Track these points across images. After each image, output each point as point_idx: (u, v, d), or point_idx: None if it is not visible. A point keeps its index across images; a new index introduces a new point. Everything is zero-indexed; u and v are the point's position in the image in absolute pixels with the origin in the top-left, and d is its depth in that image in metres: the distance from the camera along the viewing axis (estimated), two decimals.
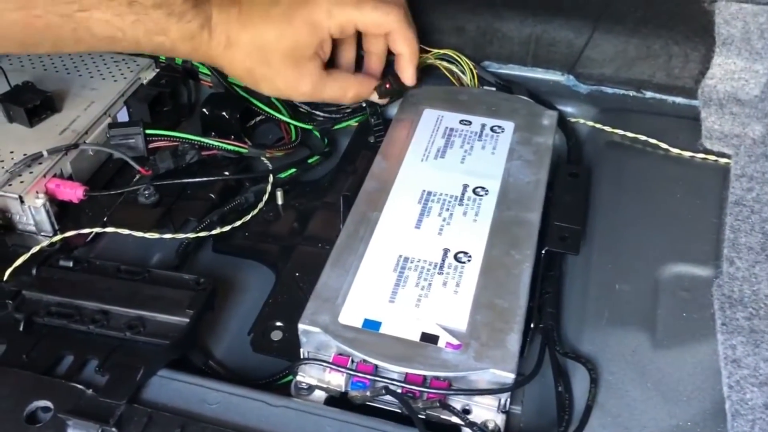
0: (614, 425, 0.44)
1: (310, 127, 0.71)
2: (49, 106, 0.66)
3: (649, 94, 0.71)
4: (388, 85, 0.66)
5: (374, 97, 0.66)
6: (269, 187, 0.64)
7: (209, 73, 0.73)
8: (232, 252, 0.61)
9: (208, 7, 0.56)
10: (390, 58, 0.66)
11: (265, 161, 0.67)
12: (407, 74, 0.65)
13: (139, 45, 0.54)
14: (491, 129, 0.64)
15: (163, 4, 0.53)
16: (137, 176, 0.64)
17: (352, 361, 0.46)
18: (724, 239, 0.55)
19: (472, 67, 0.70)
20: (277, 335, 0.53)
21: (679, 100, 0.71)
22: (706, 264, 0.54)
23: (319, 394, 0.48)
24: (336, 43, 0.63)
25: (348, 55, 0.66)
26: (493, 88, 0.71)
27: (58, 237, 0.57)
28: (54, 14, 0.49)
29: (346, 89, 0.64)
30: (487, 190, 0.57)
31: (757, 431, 0.42)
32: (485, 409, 0.46)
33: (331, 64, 0.63)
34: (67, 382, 0.45)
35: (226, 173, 0.65)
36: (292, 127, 0.70)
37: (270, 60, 0.59)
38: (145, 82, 0.72)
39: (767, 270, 0.52)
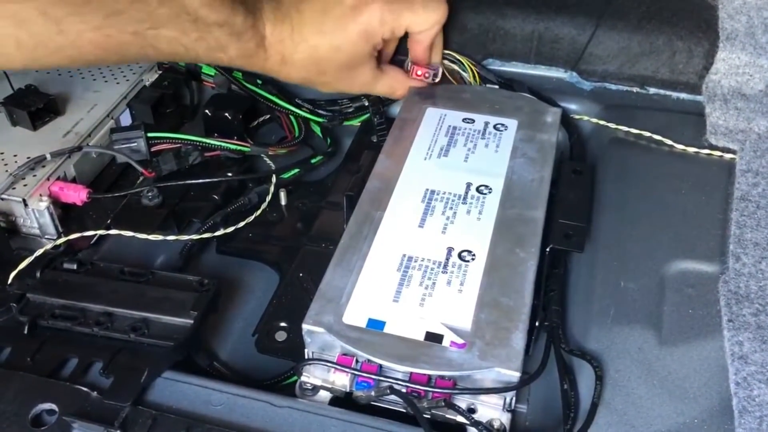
0: (620, 423, 0.44)
1: (321, 120, 0.71)
2: (52, 109, 0.66)
3: (653, 90, 0.71)
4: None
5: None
6: (272, 188, 0.64)
7: (212, 74, 0.73)
8: (236, 253, 0.61)
9: (262, 27, 0.57)
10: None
11: (268, 161, 0.67)
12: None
13: (198, 59, 0.56)
14: (494, 127, 0.63)
15: (225, 24, 0.54)
16: (140, 178, 0.64)
17: (357, 361, 0.46)
18: (730, 235, 0.54)
19: (473, 66, 0.70)
20: (281, 336, 0.53)
21: (683, 95, 0.70)
22: (712, 260, 0.53)
23: (324, 395, 0.47)
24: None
25: (392, 47, 0.68)
26: (496, 86, 0.71)
27: (62, 240, 0.57)
28: (126, 33, 0.50)
29: (397, 85, 0.67)
30: (490, 189, 0.57)
31: (765, 428, 0.42)
32: (491, 408, 0.46)
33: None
34: (71, 384, 0.45)
35: (229, 174, 0.65)
36: (293, 119, 0.70)
37: (326, 70, 0.61)
38: (147, 84, 0.72)
39: None
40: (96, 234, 0.59)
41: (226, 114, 0.68)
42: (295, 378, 0.49)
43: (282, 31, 0.57)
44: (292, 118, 0.71)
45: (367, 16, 0.59)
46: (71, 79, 0.71)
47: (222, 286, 0.52)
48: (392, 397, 0.45)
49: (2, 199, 0.57)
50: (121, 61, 0.54)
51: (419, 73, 0.67)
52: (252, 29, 0.55)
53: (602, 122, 0.68)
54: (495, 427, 0.45)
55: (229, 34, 0.54)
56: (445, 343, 0.45)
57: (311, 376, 0.47)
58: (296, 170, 0.66)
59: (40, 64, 0.50)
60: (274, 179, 0.64)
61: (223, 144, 0.65)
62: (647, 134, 0.65)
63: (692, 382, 0.46)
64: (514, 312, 0.47)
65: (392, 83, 0.66)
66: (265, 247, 0.61)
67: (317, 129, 0.72)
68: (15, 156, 0.61)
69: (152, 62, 0.73)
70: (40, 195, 0.58)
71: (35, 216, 0.58)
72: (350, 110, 0.72)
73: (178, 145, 0.65)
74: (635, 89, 0.72)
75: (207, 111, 0.69)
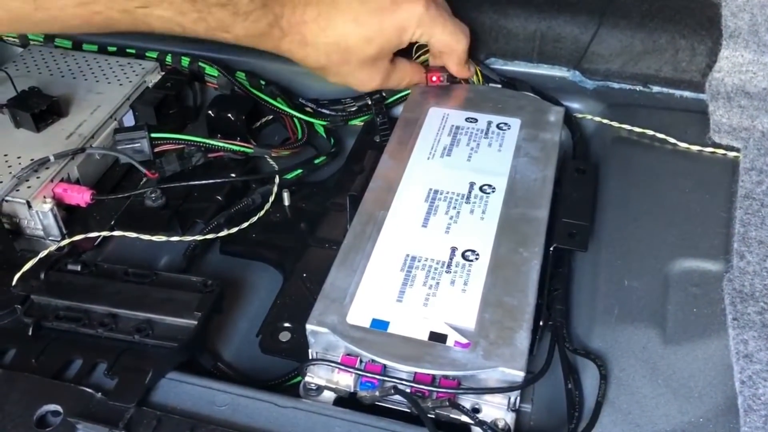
0: (625, 422, 0.44)
1: (324, 122, 0.71)
2: (55, 111, 0.66)
3: (656, 89, 0.71)
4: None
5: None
6: (276, 188, 0.64)
7: (215, 75, 0.73)
8: (240, 254, 0.61)
9: (278, 8, 0.56)
10: None
11: (271, 162, 0.67)
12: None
13: (197, 36, 0.55)
14: (497, 126, 0.63)
15: (228, 4, 0.53)
16: (144, 179, 0.64)
17: (361, 361, 0.46)
18: (734, 233, 0.54)
19: (476, 65, 0.70)
20: (285, 336, 0.53)
21: (686, 94, 0.70)
22: (716, 258, 0.53)
23: (328, 395, 0.47)
24: None
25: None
26: (499, 86, 0.71)
27: (66, 241, 0.57)
28: (114, 10, 0.49)
29: (403, 77, 0.66)
30: (494, 188, 0.57)
31: None
32: (495, 408, 0.46)
33: None
34: (76, 385, 0.45)
35: (233, 175, 0.65)
36: (296, 121, 0.70)
37: (350, 60, 0.60)
38: (150, 85, 0.72)
39: None
40: (100, 235, 0.59)
41: (229, 115, 0.68)
42: (299, 378, 0.49)
43: (305, 14, 0.57)
44: (295, 119, 0.71)
45: (408, 14, 0.59)
46: (74, 81, 0.71)
47: (226, 286, 0.52)
48: (396, 397, 0.45)
49: (6, 201, 0.57)
50: (111, 32, 0.53)
51: (434, 79, 0.68)
52: (262, 9, 0.54)
53: (605, 121, 0.68)
54: (499, 426, 0.45)
55: (233, 14, 0.53)
56: (449, 342, 0.45)
57: (315, 376, 0.47)
58: (299, 171, 0.66)
59: (23, 32, 0.50)
60: (277, 180, 0.64)
61: (226, 145, 0.65)
62: (650, 133, 0.65)
63: (697, 380, 0.46)
64: (518, 311, 0.47)
65: (401, 76, 0.66)
66: (268, 247, 0.61)
67: (320, 129, 0.72)
68: (19, 158, 0.61)
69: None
70: (44, 197, 0.58)
71: (39, 218, 0.58)
72: (353, 109, 0.72)
73: (182, 146, 0.65)
74: (638, 88, 0.71)
75: (210, 112, 0.69)
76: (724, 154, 0.62)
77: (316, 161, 0.68)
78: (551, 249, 0.53)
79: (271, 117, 0.73)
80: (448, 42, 0.63)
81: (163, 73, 0.74)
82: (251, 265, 0.61)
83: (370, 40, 0.59)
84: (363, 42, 0.59)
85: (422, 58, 0.69)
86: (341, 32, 0.58)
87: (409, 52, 0.67)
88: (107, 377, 0.46)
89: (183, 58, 0.74)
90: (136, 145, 0.63)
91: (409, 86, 0.68)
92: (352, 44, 0.59)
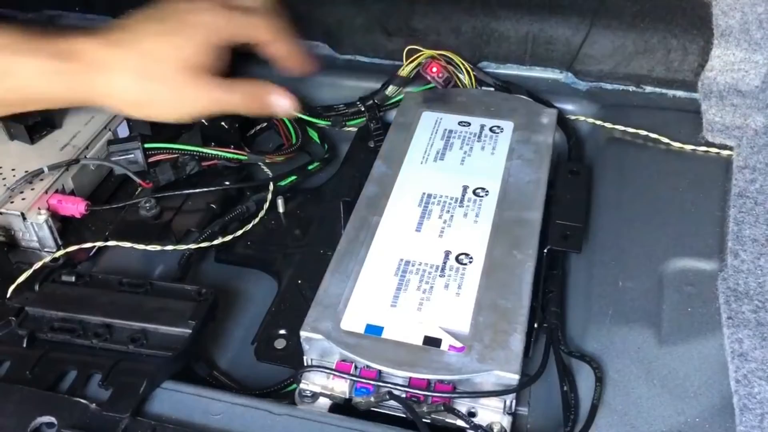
0: (621, 424, 0.44)
1: (323, 123, 0.71)
2: (49, 123, 0.66)
3: (648, 89, 0.71)
4: None
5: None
6: (270, 196, 0.64)
7: None
8: (235, 261, 0.61)
9: (62, 41, 0.50)
10: None
11: (265, 168, 0.67)
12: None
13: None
14: (490, 129, 0.63)
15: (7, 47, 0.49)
16: (138, 189, 0.64)
17: (356, 367, 0.46)
18: (728, 232, 0.54)
19: (469, 68, 0.70)
20: (280, 343, 0.53)
21: (679, 93, 0.70)
22: (710, 257, 0.53)
23: (324, 402, 0.47)
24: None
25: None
26: (492, 89, 0.71)
27: (61, 252, 0.57)
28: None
29: (252, 93, 0.56)
30: (487, 191, 0.57)
31: (765, 425, 0.42)
32: (491, 412, 0.46)
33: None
34: (70, 397, 0.45)
35: (227, 183, 0.65)
36: (290, 126, 0.70)
37: (165, 75, 0.52)
38: None
39: None
40: (95, 246, 0.59)
41: (223, 123, 0.68)
42: (294, 386, 0.49)
43: (96, 38, 0.51)
44: (289, 125, 0.71)
45: (204, 15, 0.53)
46: None
47: (221, 294, 0.52)
48: (392, 402, 0.45)
49: (1, 213, 0.58)
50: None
51: (434, 70, 0.67)
52: (45, 41, 0.49)
53: (599, 122, 0.68)
54: (495, 430, 0.45)
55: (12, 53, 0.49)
56: (444, 347, 0.45)
57: (310, 383, 0.47)
58: (293, 177, 0.66)
59: None
60: (271, 187, 0.64)
61: (220, 153, 0.65)
62: (644, 133, 0.65)
63: (692, 380, 0.46)
64: (513, 314, 0.47)
65: (243, 94, 0.55)
66: (263, 255, 0.61)
67: (314, 135, 0.72)
68: (13, 170, 0.61)
69: None
70: (39, 208, 0.58)
71: (34, 229, 0.58)
72: (347, 116, 0.72)
73: (175, 155, 0.65)
74: (631, 88, 0.72)
75: (203, 120, 0.69)
76: (718, 153, 0.62)
77: (310, 167, 0.68)
78: (545, 251, 0.53)
79: (265, 124, 0.73)
80: (255, 33, 0.56)
81: None
82: (246, 273, 0.61)
83: (178, 46, 0.52)
84: (172, 49, 0.52)
85: (420, 59, 0.69)
86: (147, 46, 0.52)
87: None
88: (102, 388, 0.46)
89: None
90: (130, 156, 0.63)
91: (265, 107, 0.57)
92: (161, 56, 0.52)
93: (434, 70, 0.67)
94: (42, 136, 0.65)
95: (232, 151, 0.66)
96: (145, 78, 0.51)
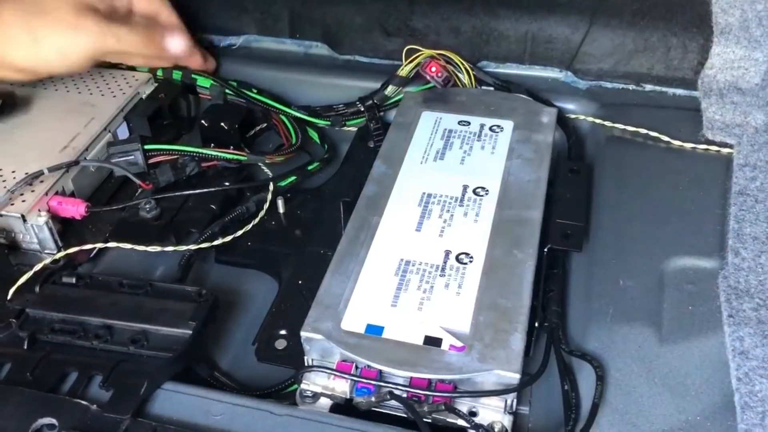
0: (622, 422, 0.44)
1: (323, 122, 0.71)
2: (9, 104, 0.65)
3: (648, 87, 0.71)
4: None
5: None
6: (270, 196, 0.64)
7: (207, 86, 0.73)
8: (235, 262, 0.61)
9: None
10: None
11: (265, 169, 0.67)
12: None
13: None
14: (490, 129, 0.63)
15: None
16: (139, 191, 0.64)
17: (356, 367, 0.46)
18: (729, 230, 0.54)
19: (468, 68, 0.70)
20: (281, 344, 0.53)
21: (679, 91, 0.70)
22: (711, 256, 0.53)
23: (325, 402, 0.47)
24: None
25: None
26: (491, 88, 0.71)
27: (61, 254, 0.57)
28: None
29: (145, 36, 0.56)
30: (487, 190, 0.56)
31: (767, 423, 0.42)
32: (492, 411, 0.45)
33: None
34: (71, 398, 0.45)
35: (227, 184, 0.64)
36: (290, 126, 0.70)
37: (45, 8, 0.50)
38: (144, 96, 0.72)
39: None
40: (95, 247, 0.59)
41: (222, 124, 0.68)
42: (295, 386, 0.49)
43: None
44: (288, 125, 0.71)
45: None
46: (68, 94, 0.71)
47: (221, 295, 0.52)
48: (393, 402, 0.45)
49: (1, 215, 0.57)
50: None
51: (433, 70, 0.67)
52: None
53: (599, 121, 0.68)
54: (496, 429, 0.45)
55: None
56: (444, 346, 0.45)
57: (311, 383, 0.47)
58: (293, 177, 0.66)
59: None
60: (271, 187, 0.64)
61: (219, 154, 0.65)
62: (644, 131, 0.65)
63: (693, 379, 0.46)
64: (513, 313, 0.47)
65: (136, 36, 0.56)
66: (263, 255, 0.61)
67: (314, 135, 0.72)
68: (13, 172, 0.61)
69: None
70: (39, 210, 0.58)
71: (34, 231, 0.58)
72: (346, 116, 0.72)
73: (175, 156, 0.65)
74: (631, 87, 0.72)
75: (203, 121, 0.69)
76: (718, 151, 0.62)
77: (310, 167, 0.68)
78: (546, 250, 0.53)
79: (264, 125, 0.73)
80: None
81: (156, 84, 0.74)
82: (246, 273, 0.60)
83: None
84: None
85: (419, 59, 0.69)
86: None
87: None
88: (102, 389, 0.46)
89: (174, 71, 0.74)
90: (130, 157, 0.63)
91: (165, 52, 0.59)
92: None
93: (434, 69, 0.67)
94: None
95: (232, 151, 0.66)
96: (30, 14, 0.50)
